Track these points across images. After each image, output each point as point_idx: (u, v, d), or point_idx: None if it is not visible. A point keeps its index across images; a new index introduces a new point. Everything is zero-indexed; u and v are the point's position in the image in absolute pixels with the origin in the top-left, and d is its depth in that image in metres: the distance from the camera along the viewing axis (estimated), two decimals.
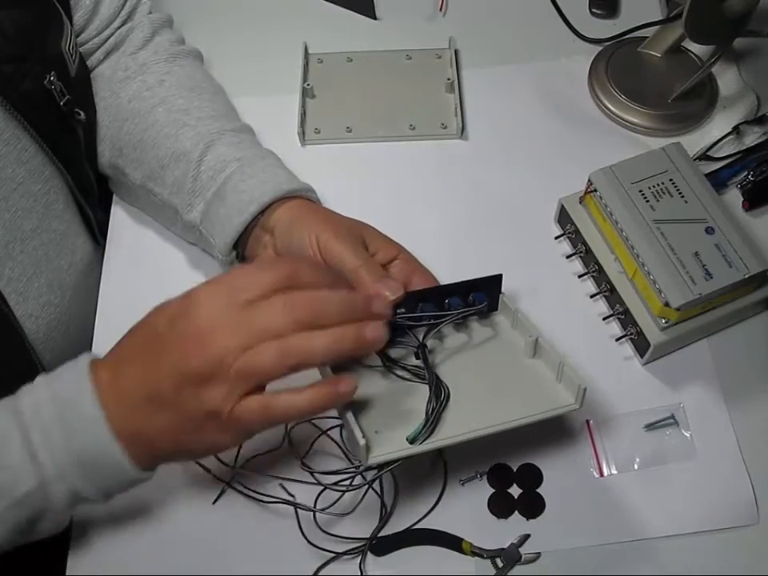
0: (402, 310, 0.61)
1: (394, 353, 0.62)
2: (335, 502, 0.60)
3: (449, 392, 0.58)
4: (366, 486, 0.61)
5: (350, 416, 0.55)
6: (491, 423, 0.56)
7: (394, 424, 0.56)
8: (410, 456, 0.55)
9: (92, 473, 0.53)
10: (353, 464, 0.56)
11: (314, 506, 0.61)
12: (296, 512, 0.62)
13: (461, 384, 0.59)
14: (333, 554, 0.61)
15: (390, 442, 0.55)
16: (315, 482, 0.60)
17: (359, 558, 0.61)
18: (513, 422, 0.56)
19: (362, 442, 0.53)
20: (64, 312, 0.71)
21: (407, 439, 0.55)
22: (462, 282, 0.63)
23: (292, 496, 0.61)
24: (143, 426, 0.52)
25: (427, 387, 0.58)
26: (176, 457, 0.56)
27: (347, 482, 0.59)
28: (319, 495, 0.61)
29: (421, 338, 0.61)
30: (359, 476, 0.58)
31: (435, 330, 0.61)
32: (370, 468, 0.55)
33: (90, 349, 0.72)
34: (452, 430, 0.56)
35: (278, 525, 0.63)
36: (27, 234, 0.67)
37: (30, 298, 0.67)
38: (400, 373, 0.60)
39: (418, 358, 0.61)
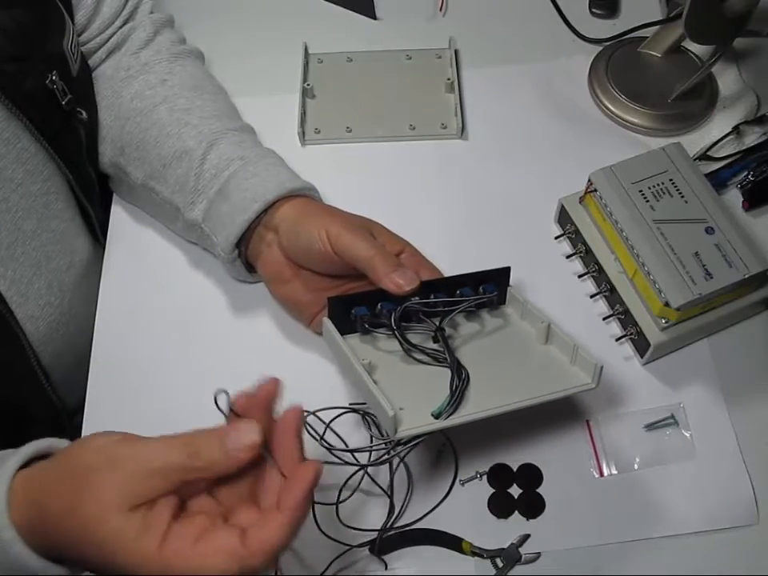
0: (416, 299, 0.62)
1: (412, 338, 0.62)
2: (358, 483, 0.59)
3: (468, 373, 0.59)
4: (391, 463, 0.61)
5: (375, 389, 0.55)
6: (513, 401, 0.57)
7: (417, 402, 0.57)
8: (437, 431, 0.56)
9: None
10: (371, 444, 0.57)
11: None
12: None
13: (478, 368, 0.60)
14: (347, 547, 0.61)
15: (416, 417, 0.56)
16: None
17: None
18: (534, 399, 0.57)
19: (390, 413, 0.53)
20: (64, 313, 0.71)
21: (432, 414, 0.56)
22: (473, 273, 0.65)
23: None
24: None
25: (445, 370, 0.59)
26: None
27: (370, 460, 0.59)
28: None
29: (437, 324, 0.62)
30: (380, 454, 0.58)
31: (451, 314, 0.63)
32: (399, 443, 0.56)
33: (90, 348, 0.72)
34: (475, 408, 0.57)
35: None
36: (28, 234, 0.67)
37: (31, 299, 0.67)
38: (419, 357, 0.62)
39: (436, 341, 0.62)
